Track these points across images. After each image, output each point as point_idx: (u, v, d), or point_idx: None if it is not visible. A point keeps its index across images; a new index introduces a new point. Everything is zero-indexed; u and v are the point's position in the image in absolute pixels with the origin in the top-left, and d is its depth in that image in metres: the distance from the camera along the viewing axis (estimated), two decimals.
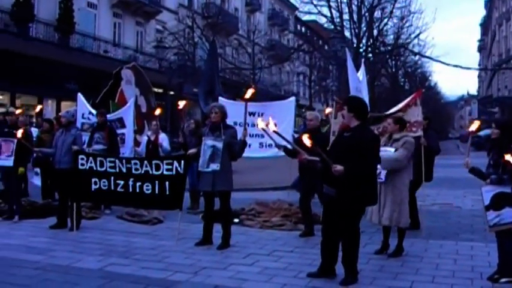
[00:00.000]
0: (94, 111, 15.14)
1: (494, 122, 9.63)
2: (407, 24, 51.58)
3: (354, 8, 47.62)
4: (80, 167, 12.10)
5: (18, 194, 13.94)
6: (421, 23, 69.83)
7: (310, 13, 51.77)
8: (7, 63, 33.27)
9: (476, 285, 8.36)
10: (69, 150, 12.39)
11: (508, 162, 7.84)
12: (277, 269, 9.20)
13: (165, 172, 11.28)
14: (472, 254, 10.27)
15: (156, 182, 11.35)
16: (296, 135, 13.46)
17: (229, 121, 11.21)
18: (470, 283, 8.44)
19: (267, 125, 9.31)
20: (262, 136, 14.71)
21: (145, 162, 11.62)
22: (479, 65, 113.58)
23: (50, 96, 39.27)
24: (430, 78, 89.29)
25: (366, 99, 11.94)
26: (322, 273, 8.56)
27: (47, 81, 36.70)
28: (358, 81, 14.52)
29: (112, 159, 12.02)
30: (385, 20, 49.99)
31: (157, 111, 15.64)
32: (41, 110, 27.96)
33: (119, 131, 15.30)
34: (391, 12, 49.50)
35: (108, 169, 11.86)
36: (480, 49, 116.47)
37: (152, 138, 15.56)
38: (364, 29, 48.33)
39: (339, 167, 7.90)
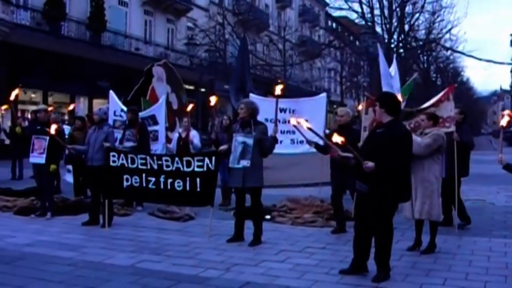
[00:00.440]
0: (126, 109, 15.17)
1: None
2: (438, 19, 51.42)
3: (385, 3, 47.42)
4: (112, 164, 12.14)
5: (51, 191, 14.00)
6: (452, 17, 69.85)
7: (340, 9, 51.69)
8: (39, 62, 33.59)
9: (510, 282, 8.27)
10: (101, 148, 12.43)
11: None
12: (309, 265, 9.16)
13: (196, 169, 11.25)
14: (505, 251, 10.18)
15: (187, 178, 11.34)
16: (327, 132, 13.40)
17: (260, 118, 11.13)
18: (504, 280, 8.35)
19: (298, 122, 9.28)
20: (294, 132, 14.69)
21: (177, 159, 11.61)
22: None
23: (82, 94, 39.64)
24: (462, 73, 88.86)
25: (399, 95, 11.85)
26: (354, 269, 8.51)
27: (78, 79, 37.04)
28: (390, 76, 14.43)
29: (143, 156, 12.04)
30: (417, 14, 49.86)
31: (189, 108, 15.65)
32: (74, 108, 28.16)
33: (152, 128, 15.34)
34: (423, 6, 49.31)
35: (140, 166, 11.87)
36: None
37: (183, 135, 15.57)
38: (396, 24, 48.10)
39: (370, 164, 7.85)
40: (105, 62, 38.38)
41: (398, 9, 47.97)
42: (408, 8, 49.13)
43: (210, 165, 11.14)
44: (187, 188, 11.34)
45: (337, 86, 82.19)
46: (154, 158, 11.88)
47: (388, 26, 47.46)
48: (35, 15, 35.16)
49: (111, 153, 12.19)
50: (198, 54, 45.19)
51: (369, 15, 47.92)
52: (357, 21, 53.87)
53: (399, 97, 10.97)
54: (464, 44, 63.68)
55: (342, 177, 11.18)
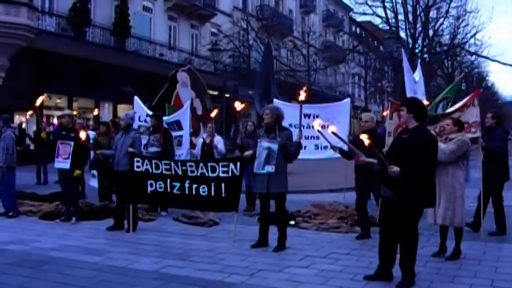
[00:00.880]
0: (150, 113, 15.23)
1: None
2: (463, 24, 51.27)
3: (409, 8, 47.38)
4: (136, 169, 12.18)
5: (76, 196, 14.09)
6: (477, 22, 69.33)
7: (364, 14, 51.79)
8: (64, 67, 33.84)
9: None
10: (127, 153, 12.47)
11: None
12: (334, 271, 9.14)
13: (221, 174, 11.28)
14: None
15: (212, 184, 11.36)
16: (351, 138, 13.38)
17: (284, 123, 11.12)
18: None
19: (323, 127, 9.27)
20: (318, 138, 14.70)
21: (201, 164, 11.64)
22: None
23: (107, 100, 39.85)
24: (487, 78, 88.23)
25: (424, 100, 11.82)
26: (379, 275, 8.47)
27: (103, 84, 37.24)
28: (414, 82, 14.40)
29: (167, 161, 12.07)
30: (441, 19, 49.73)
31: (213, 114, 15.68)
32: (98, 113, 28.34)
33: (176, 133, 15.38)
34: (447, 11, 49.17)
35: (164, 171, 11.91)
36: None
37: (208, 140, 15.58)
38: (420, 29, 47.98)
39: (395, 168, 7.82)
40: (129, 67, 38.57)
41: (422, 14, 47.86)
42: (432, 13, 49.02)
43: (235, 170, 11.15)
44: (212, 194, 11.36)
45: (361, 91, 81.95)
46: (179, 163, 11.92)
47: (412, 31, 47.37)
48: (60, 21, 35.37)
49: (135, 159, 12.23)
50: (222, 59, 45.28)
51: (393, 20, 47.92)
52: (381, 26, 53.86)
53: (425, 102, 10.96)
54: (489, 49, 63.84)
55: (367, 182, 11.16)
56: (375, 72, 71.89)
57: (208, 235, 12.29)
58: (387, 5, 47.18)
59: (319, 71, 60.42)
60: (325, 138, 10.40)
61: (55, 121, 32.85)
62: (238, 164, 11.20)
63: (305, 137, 13.68)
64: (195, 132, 16.58)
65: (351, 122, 16.54)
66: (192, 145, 16.03)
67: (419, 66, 15.86)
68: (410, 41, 47.93)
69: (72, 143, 13.37)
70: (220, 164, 11.44)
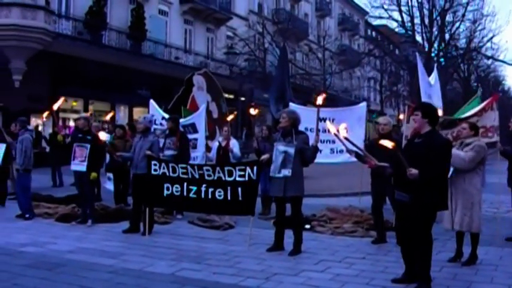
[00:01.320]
0: (167, 117, 15.25)
1: None
2: (479, 28, 51.08)
3: (425, 12, 47.31)
4: (153, 172, 12.21)
5: (92, 199, 14.13)
6: (494, 26, 69.06)
7: (380, 17, 51.71)
8: (81, 70, 33.90)
9: None
10: (145, 156, 12.52)
11: None
12: (349, 276, 9.11)
13: (237, 178, 11.30)
14: None
15: (229, 188, 11.38)
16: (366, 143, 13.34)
17: (300, 127, 11.14)
18: None
19: (338, 130, 9.24)
20: (333, 142, 14.68)
21: (218, 168, 11.67)
22: None
23: (122, 103, 39.96)
24: (503, 82, 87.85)
25: (440, 104, 11.78)
26: (406, 278, 8.45)
27: (119, 87, 37.36)
28: (429, 86, 14.33)
29: (184, 165, 12.11)
30: (457, 23, 49.62)
31: (230, 117, 15.69)
32: (113, 116, 28.37)
33: (192, 136, 15.39)
34: (463, 15, 49.09)
35: (181, 175, 11.94)
36: None
37: (223, 144, 15.59)
38: (436, 33, 47.93)
39: (414, 171, 7.80)
40: (145, 70, 38.64)
41: (438, 18, 47.79)
42: (449, 17, 48.98)
43: (251, 174, 11.16)
44: (229, 197, 11.38)
45: (376, 95, 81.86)
46: (195, 167, 11.94)
47: (428, 34, 47.31)
48: (77, 24, 35.48)
49: (153, 162, 12.27)
50: (237, 63, 45.25)
51: (409, 24, 47.87)
52: (396, 30, 53.77)
53: (440, 104, 10.94)
54: (506, 53, 63.65)
55: (382, 186, 11.10)
56: (390, 76, 71.87)
57: (223, 238, 12.30)
58: (403, 8, 47.24)
59: (335, 74, 60.36)
60: (342, 142, 10.38)
61: (71, 124, 32.98)
62: (255, 168, 11.21)
63: (320, 141, 13.63)
64: (210, 136, 16.60)
65: (366, 125, 16.44)
66: (208, 148, 16.04)
67: (435, 70, 15.79)
68: (426, 44, 47.89)
69: (89, 146, 13.41)
70: (237, 168, 11.47)
